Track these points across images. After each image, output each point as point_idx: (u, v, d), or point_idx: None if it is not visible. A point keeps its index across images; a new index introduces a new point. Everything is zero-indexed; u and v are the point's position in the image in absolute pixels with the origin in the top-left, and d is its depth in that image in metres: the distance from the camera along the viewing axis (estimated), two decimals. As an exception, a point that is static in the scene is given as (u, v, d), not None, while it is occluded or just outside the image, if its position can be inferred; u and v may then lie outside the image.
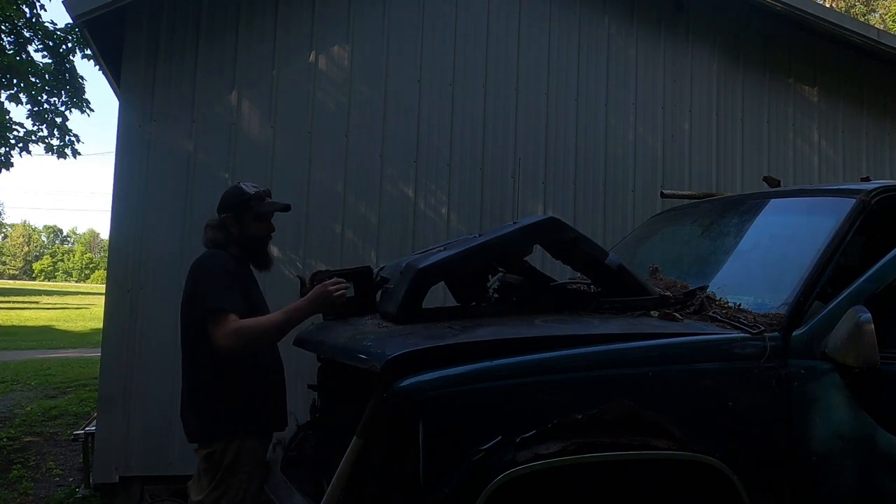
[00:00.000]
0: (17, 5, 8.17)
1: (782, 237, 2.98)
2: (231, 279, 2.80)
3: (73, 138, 9.29)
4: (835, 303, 2.45)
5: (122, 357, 4.66)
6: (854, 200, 2.69)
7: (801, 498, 2.30)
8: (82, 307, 29.41)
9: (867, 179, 3.15)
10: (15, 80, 8.38)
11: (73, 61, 9.04)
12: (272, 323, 2.74)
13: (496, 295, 3.16)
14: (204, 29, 5.02)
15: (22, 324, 20.20)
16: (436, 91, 5.41)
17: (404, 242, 5.22)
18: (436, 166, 5.37)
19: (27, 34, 8.70)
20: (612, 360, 2.24)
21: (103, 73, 6.19)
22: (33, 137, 9.03)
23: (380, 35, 5.35)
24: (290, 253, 5.03)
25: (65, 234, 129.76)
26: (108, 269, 4.84)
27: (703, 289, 2.74)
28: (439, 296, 3.70)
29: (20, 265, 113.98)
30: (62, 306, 30.23)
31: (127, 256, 4.76)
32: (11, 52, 8.48)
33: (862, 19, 22.20)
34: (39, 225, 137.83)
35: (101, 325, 5.03)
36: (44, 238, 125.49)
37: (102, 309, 4.88)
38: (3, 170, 8.88)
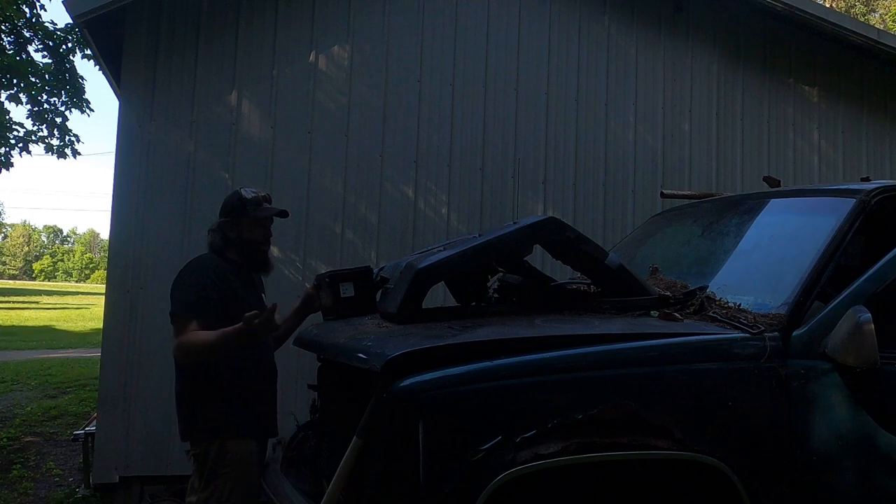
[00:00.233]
0: (17, 5, 8.17)
1: (782, 237, 2.98)
2: (204, 285, 2.80)
3: (73, 138, 9.28)
4: (835, 303, 2.44)
5: (122, 357, 4.66)
6: (854, 200, 2.68)
7: (800, 498, 2.30)
8: (82, 307, 29.39)
9: (867, 179, 3.15)
10: (15, 80, 8.36)
11: (73, 61, 9.04)
12: (204, 342, 2.68)
13: (496, 295, 3.16)
14: (204, 29, 5.03)
15: (22, 324, 20.19)
16: (436, 91, 5.41)
17: (404, 242, 5.22)
18: (436, 166, 5.37)
19: (27, 34, 8.69)
20: (613, 360, 2.24)
21: (103, 73, 6.19)
22: (33, 137, 9.02)
23: (380, 35, 5.36)
24: (290, 253, 5.03)
25: (65, 234, 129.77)
26: (108, 269, 4.85)
27: (703, 289, 2.74)
28: (439, 296, 3.70)
29: (20, 265, 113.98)
30: (62, 306, 30.22)
31: (127, 256, 4.77)
32: (11, 52, 8.48)
33: (862, 19, 22.20)
34: (39, 225, 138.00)
35: (101, 325, 5.03)
36: (44, 238, 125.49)
37: (102, 309, 4.88)
38: (3, 170, 8.87)
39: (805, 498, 2.31)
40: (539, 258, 3.46)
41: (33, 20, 8.64)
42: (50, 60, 8.88)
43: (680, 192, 4.62)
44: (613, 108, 5.82)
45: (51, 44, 8.76)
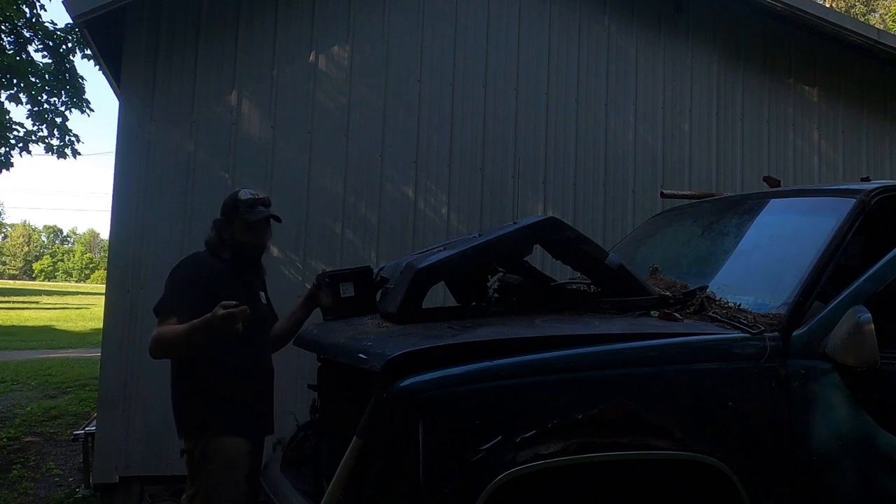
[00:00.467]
0: (17, 5, 8.16)
1: (782, 237, 2.98)
2: (190, 284, 2.81)
3: (73, 138, 9.28)
4: (835, 303, 2.44)
5: (122, 357, 4.66)
6: (854, 200, 2.68)
7: (800, 498, 2.30)
8: (82, 307, 29.38)
9: (867, 179, 3.15)
10: (15, 80, 8.36)
11: (73, 61, 9.04)
12: (175, 335, 2.69)
13: (496, 295, 3.16)
14: (204, 29, 5.03)
15: (22, 324, 20.18)
16: (436, 91, 5.41)
17: (404, 242, 5.22)
18: (436, 166, 5.37)
19: (27, 34, 8.69)
20: (613, 360, 2.24)
21: (103, 73, 6.19)
22: (33, 137, 9.02)
23: (380, 35, 5.35)
24: (290, 253, 5.03)
25: (65, 234, 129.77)
26: (108, 269, 4.85)
27: (703, 289, 2.74)
28: (439, 296, 3.70)
29: (20, 265, 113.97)
30: (62, 306, 30.21)
31: (127, 256, 4.77)
32: (11, 52, 8.47)
33: (862, 19, 22.20)
34: (39, 225, 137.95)
35: (101, 325, 5.03)
36: (44, 238, 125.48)
37: (102, 309, 4.88)
38: (3, 170, 8.87)
39: (805, 498, 2.31)
40: (539, 258, 3.46)
41: (33, 20, 8.64)
42: (50, 60, 8.88)
43: (680, 192, 4.61)
44: (613, 108, 5.82)
45: (51, 44, 8.75)
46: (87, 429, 5.11)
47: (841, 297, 2.46)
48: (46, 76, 8.81)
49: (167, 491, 4.68)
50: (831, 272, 2.52)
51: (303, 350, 3.11)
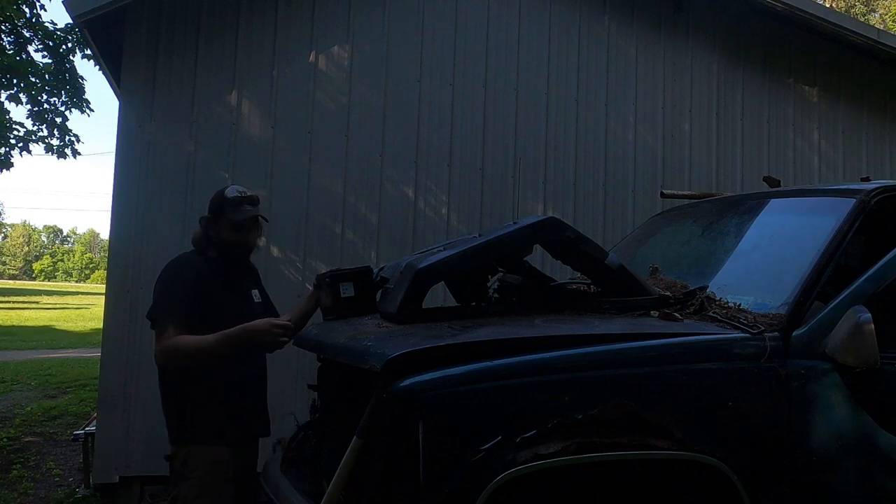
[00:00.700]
0: (17, 5, 8.16)
1: (782, 237, 2.97)
2: (181, 286, 2.79)
3: (73, 138, 9.28)
4: (835, 303, 2.44)
5: (122, 357, 4.66)
6: (854, 200, 2.68)
7: (801, 498, 2.30)
8: (82, 307, 29.39)
9: (867, 179, 3.15)
10: (15, 80, 8.36)
11: (73, 61, 9.04)
12: (207, 345, 2.69)
13: (496, 295, 3.16)
14: (204, 29, 5.03)
15: (22, 324, 20.19)
16: (436, 91, 5.41)
17: (404, 242, 5.22)
18: (436, 166, 5.37)
19: (27, 34, 8.69)
20: (613, 360, 2.23)
21: (103, 73, 6.19)
22: (33, 137, 9.02)
23: (380, 35, 5.36)
24: (290, 253, 5.03)
25: (65, 234, 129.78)
26: (108, 269, 4.85)
27: (703, 289, 2.73)
28: (439, 296, 3.70)
29: (20, 265, 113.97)
30: (62, 306, 30.22)
31: (127, 256, 4.76)
32: (11, 52, 8.47)
33: (862, 19, 22.20)
34: (39, 225, 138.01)
35: (101, 325, 5.03)
36: (44, 238, 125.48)
37: (102, 309, 4.88)
38: (3, 170, 8.86)
39: (805, 498, 2.31)
40: (539, 258, 3.46)
41: (33, 20, 8.64)
42: (50, 60, 8.88)
43: (680, 192, 4.61)
44: (613, 108, 5.82)
45: (51, 44, 8.76)
46: (87, 429, 5.11)
47: (841, 297, 2.46)
48: (46, 76, 8.81)
49: (167, 491, 4.67)
50: (831, 272, 2.52)
51: (303, 350, 3.10)
